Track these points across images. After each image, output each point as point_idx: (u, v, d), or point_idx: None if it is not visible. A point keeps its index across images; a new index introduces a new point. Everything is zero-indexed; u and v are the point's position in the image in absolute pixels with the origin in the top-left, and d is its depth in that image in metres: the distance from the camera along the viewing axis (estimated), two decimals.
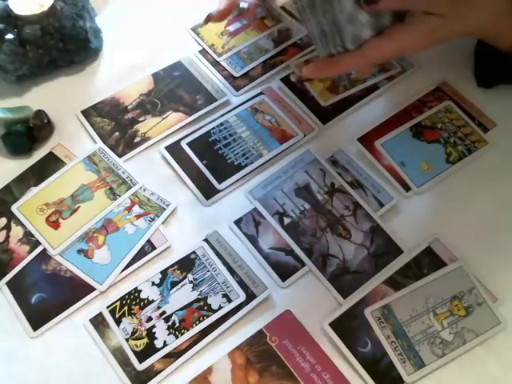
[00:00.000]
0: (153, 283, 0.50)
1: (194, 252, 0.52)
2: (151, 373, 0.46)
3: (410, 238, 0.52)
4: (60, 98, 0.62)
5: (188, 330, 0.48)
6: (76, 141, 0.59)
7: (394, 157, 0.57)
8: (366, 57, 0.48)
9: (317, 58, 0.52)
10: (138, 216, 0.54)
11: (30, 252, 0.52)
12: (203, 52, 0.66)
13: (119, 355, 0.47)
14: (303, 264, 0.51)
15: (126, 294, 0.50)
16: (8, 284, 0.51)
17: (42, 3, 0.60)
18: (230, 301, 0.49)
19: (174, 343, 0.47)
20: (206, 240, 0.52)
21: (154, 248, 0.52)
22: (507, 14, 0.51)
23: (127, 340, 0.47)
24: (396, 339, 0.47)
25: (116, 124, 0.60)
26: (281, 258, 0.52)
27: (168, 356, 0.47)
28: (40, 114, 0.59)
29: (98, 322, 0.49)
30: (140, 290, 0.50)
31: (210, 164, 0.57)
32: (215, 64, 0.65)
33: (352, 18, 0.46)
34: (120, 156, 0.58)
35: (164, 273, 0.51)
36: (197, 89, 0.62)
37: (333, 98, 0.61)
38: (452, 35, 0.50)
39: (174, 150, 0.58)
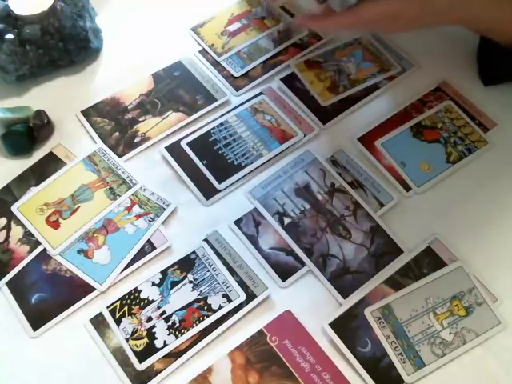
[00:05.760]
0: (153, 283, 0.50)
1: (194, 252, 0.52)
2: (151, 373, 0.46)
3: (410, 238, 0.52)
4: (60, 98, 0.62)
5: (188, 330, 0.48)
6: (76, 141, 0.59)
7: (394, 156, 0.57)
8: (356, 15, 0.49)
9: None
10: (138, 216, 0.54)
11: (30, 252, 0.52)
12: (203, 52, 0.66)
13: (119, 355, 0.47)
14: (303, 264, 0.51)
15: (126, 294, 0.50)
16: (8, 284, 0.51)
17: (42, 3, 0.60)
18: (230, 301, 0.49)
19: (174, 343, 0.47)
20: (206, 240, 0.52)
21: (154, 248, 0.52)
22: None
23: (127, 340, 0.47)
24: (396, 339, 0.47)
25: (116, 124, 0.60)
26: (281, 258, 0.52)
27: (168, 356, 0.47)
28: (40, 114, 0.59)
29: (98, 322, 0.49)
30: (140, 290, 0.50)
31: (210, 164, 0.57)
32: (215, 64, 0.65)
33: None
34: (120, 156, 0.58)
35: (164, 273, 0.51)
36: (197, 89, 0.62)
37: (333, 98, 0.61)
38: (450, 20, 0.51)
39: (174, 149, 0.58)
